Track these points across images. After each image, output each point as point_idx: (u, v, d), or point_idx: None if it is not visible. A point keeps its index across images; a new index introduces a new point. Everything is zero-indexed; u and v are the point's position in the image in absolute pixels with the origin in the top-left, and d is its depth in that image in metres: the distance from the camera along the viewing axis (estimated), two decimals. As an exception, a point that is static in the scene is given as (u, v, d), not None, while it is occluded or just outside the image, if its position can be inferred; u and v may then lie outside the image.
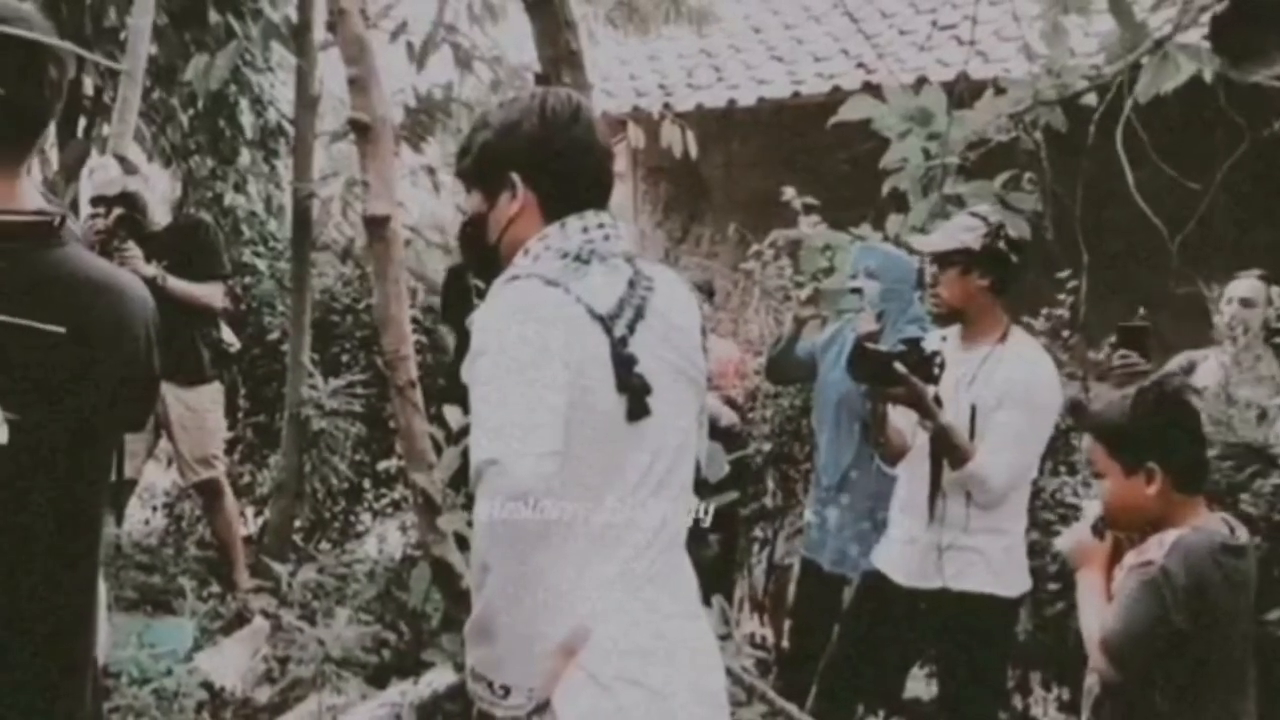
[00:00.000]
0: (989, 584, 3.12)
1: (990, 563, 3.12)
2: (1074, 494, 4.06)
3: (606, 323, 1.76)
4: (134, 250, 4.49)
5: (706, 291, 5.17)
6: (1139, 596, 2.36)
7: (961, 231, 3.24)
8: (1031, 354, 3.23)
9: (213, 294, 4.84)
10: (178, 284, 4.60)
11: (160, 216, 4.81)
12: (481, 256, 1.96)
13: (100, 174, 4.66)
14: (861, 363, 3.10)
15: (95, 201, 4.58)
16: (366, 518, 6.31)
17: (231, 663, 4.10)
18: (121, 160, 4.74)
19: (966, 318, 3.27)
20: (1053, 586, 3.85)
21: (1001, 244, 3.18)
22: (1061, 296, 4.66)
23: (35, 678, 1.50)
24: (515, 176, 1.85)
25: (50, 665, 1.52)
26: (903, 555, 3.26)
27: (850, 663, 3.37)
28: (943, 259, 3.26)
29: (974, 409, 3.13)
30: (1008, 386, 3.11)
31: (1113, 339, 4.04)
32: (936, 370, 3.05)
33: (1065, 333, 4.66)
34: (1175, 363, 4.49)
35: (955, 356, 3.17)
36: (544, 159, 1.85)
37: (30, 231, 1.49)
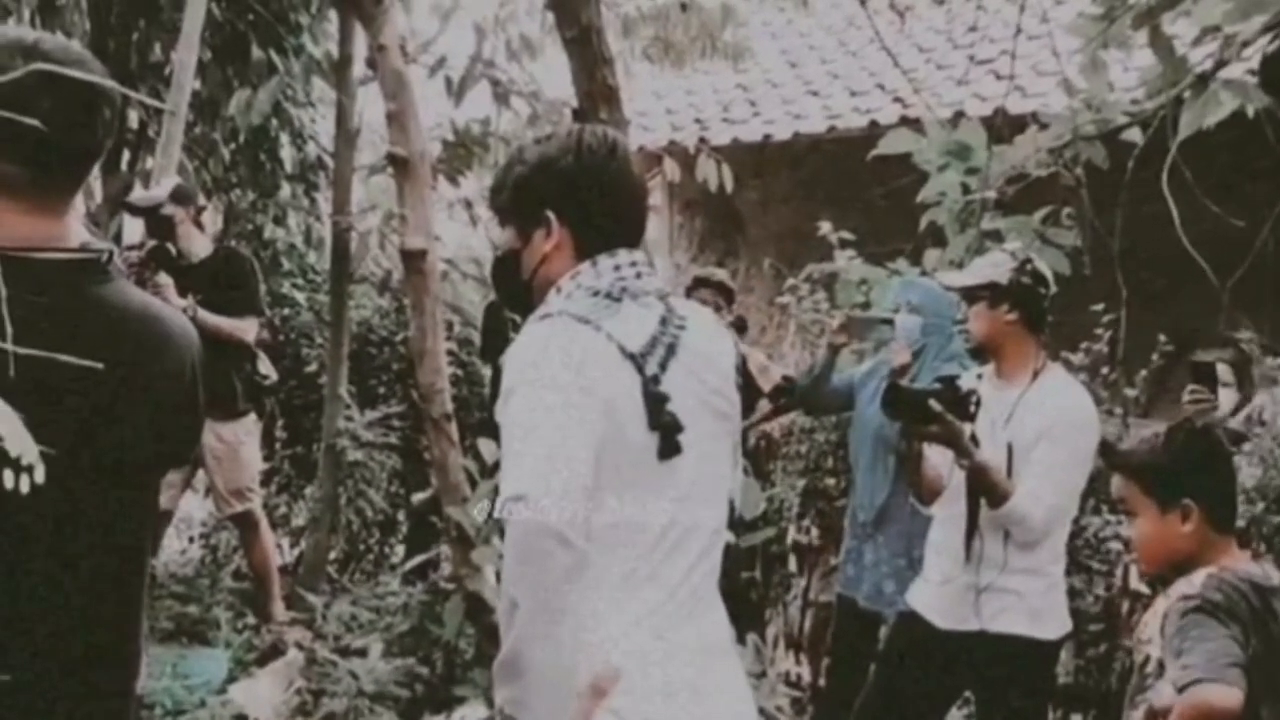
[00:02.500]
0: (1027, 626, 3.07)
1: (1028, 604, 3.07)
2: (1114, 535, 4.00)
3: (638, 361, 1.76)
4: (166, 282, 4.49)
5: (738, 327, 5.16)
6: (1200, 621, 2.22)
7: (988, 267, 3.23)
8: (1068, 390, 3.19)
9: (245, 329, 4.80)
10: (208, 317, 4.55)
11: (201, 249, 4.84)
12: (515, 292, 1.96)
13: (155, 189, 4.67)
14: (896, 401, 3.07)
15: (128, 207, 4.58)
16: (400, 549, 6.32)
17: (265, 695, 4.10)
18: (179, 185, 4.74)
19: (999, 353, 3.25)
20: (1094, 628, 3.79)
21: (1026, 279, 3.16)
22: (1099, 331, 4.62)
23: (78, 710, 1.50)
24: (550, 213, 1.85)
25: (94, 698, 1.51)
26: (939, 597, 3.21)
27: (887, 704, 3.32)
28: (971, 294, 3.27)
29: (1010, 447, 3.09)
30: (1045, 423, 3.07)
31: (1144, 373, 3.99)
32: (973, 408, 3.02)
33: (1104, 369, 4.61)
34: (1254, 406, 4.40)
35: (991, 394, 3.14)
36: (579, 197, 1.85)
37: (80, 267, 1.50)
